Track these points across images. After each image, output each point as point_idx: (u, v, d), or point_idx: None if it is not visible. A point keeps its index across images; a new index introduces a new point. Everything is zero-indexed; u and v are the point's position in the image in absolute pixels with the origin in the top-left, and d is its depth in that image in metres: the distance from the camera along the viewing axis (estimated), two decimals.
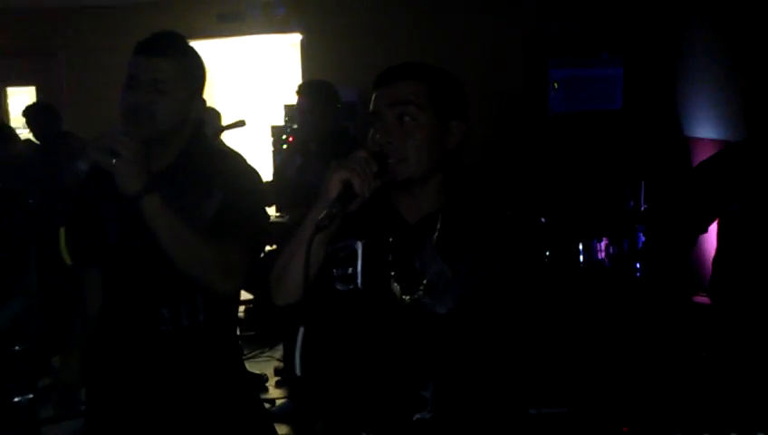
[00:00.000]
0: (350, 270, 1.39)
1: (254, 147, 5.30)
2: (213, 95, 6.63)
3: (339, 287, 1.40)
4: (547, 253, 3.92)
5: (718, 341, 1.94)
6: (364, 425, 1.43)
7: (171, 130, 1.61)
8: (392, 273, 1.38)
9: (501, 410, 1.38)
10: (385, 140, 1.33)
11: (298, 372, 1.23)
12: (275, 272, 1.36)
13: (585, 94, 5.27)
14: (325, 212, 1.23)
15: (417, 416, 1.36)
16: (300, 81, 5.34)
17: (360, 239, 1.40)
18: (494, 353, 1.40)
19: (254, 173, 1.75)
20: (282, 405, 3.87)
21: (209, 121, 4.78)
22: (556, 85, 5.28)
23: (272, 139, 4.96)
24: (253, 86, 6.69)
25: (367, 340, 1.41)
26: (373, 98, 1.38)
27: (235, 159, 1.75)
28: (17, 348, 1.51)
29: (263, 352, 4.58)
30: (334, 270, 1.41)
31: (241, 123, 3.63)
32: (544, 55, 5.32)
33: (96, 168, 1.52)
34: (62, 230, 1.49)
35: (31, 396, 1.48)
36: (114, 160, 1.46)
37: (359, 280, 1.39)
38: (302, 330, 1.21)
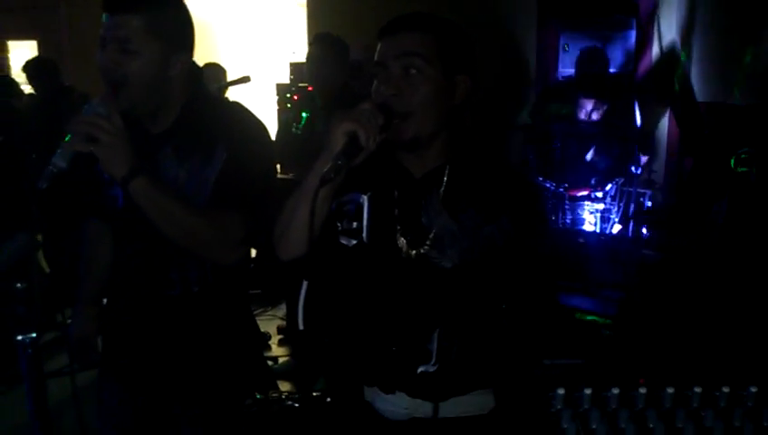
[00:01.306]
0: (356, 224, 1.37)
1: (259, 105, 5.25)
2: (218, 52, 6.55)
3: (343, 242, 1.39)
4: (553, 217, 3.92)
5: (728, 297, 1.94)
6: (367, 378, 1.43)
7: (150, 92, 1.50)
8: (398, 227, 1.36)
9: (506, 362, 1.37)
10: (390, 93, 1.30)
11: (301, 326, 1.22)
12: (279, 227, 1.34)
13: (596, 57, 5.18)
14: (330, 164, 1.20)
15: (422, 368, 1.36)
16: (306, 39, 5.27)
17: (366, 193, 1.38)
18: (500, 307, 1.39)
19: (261, 127, 1.65)
20: (284, 363, 3.90)
21: (215, 77, 4.73)
22: (567, 47, 5.19)
23: (277, 97, 4.90)
24: (258, 44, 6.59)
25: (372, 294, 1.39)
26: (378, 48, 1.34)
27: (242, 112, 1.66)
28: (19, 286, 1.47)
29: (266, 311, 4.59)
30: (339, 224, 1.39)
31: (246, 79, 3.57)
32: (556, 17, 5.23)
33: None
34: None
35: (33, 335, 1.45)
36: (93, 148, 1.35)
37: (364, 234, 1.37)
38: (305, 284, 1.19)
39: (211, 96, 1.72)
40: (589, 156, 4.22)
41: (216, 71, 4.78)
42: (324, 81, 3.34)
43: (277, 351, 4.11)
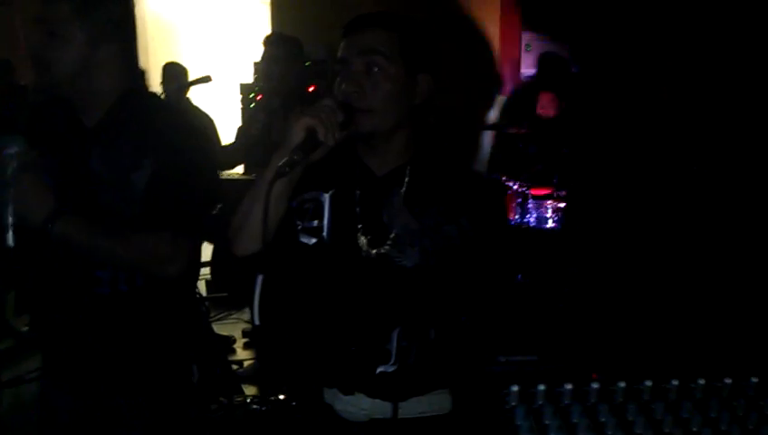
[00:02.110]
0: (316, 223, 1.36)
1: (223, 105, 5.19)
2: (182, 51, 6.46)
3: (303, 240, 1.37)
4: (517, 216, 3.95)
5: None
6: (327, 379, 1.42)
7: (74, 78, 1.47)
8: (359, 226, 1.35)
9: (464, 361, 1.38)
10: (352, 90, 1.29)
11: (257, 321, 1.21)
12: (236, 221, 1.32)
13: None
14: (286, 158, 1.19)
15: (381, 369, 1.35)
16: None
17: (327, 191, 1.37)
18: (458, 305, 1.39)
19: (196, 135, 1.61)
20: (249, 367, 3.87)
21: (175, 76, 4.66)
22: (529, 48, 5.26)
23: (240, 96, 4.85)
24: (222, 43, 6.53)
25: (331, 293, 1.38)
26: (341, 45, 1.34)
27: (178, 118, 1.63)
28: None
29: (230, 314, 4.55)
30: (299, 223, 1.38)
31: (206, 79, 3.52)
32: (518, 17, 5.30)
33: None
34: None
35: None
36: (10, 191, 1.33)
37: (325, 233, 1.36)
38: (260, 278, 1.18)
39: (148, 95, 1.66)
40: (548, 155, 4.28)
41: (176, 69, 4.72)
42: (280, 79, 3.35)
43: (242, 354, 4.07)
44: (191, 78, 3.90)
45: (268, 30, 5.61)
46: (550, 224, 3.95)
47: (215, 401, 3.55)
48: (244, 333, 4.25)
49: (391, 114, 1.32)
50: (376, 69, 1.30)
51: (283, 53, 3.34)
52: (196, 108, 3.77)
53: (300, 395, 1.50)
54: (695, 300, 1.72)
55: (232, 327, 4.34)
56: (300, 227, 1.37)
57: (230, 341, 4.13)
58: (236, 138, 3.73)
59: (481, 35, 5.41)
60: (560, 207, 3.91)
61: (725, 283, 1.86)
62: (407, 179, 1.36)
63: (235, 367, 3.81)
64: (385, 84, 1.30)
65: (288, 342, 1.48)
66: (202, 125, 4.37)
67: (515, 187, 3.98)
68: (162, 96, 3.62)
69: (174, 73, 4.65)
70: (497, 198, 1.48)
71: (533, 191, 3.98)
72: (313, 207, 1.37)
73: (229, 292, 4.68)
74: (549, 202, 3.93)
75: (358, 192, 1.37)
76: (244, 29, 6.28)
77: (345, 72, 1.32)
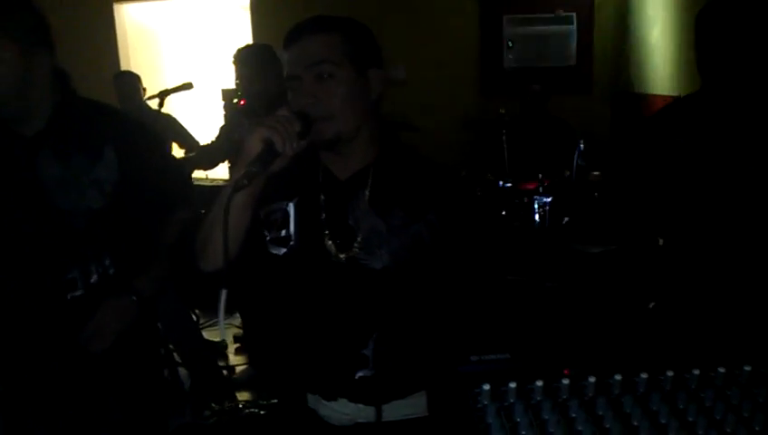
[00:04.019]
0: (284, 232, 1.37)
1: (205, 111, 5.18)
2: (163, 58, 6.45)
3: (273, 251, 1.38)
4: (503, 212, 3.96)
5: (665, 285, 1.99)
6: (308, 386, 1.43)
7: (12, 95, 1.48)
8: (326, 231, 1.36)
9: (439, 362, 1.38)
10: (307, 101, 1.30)
11: (222, 335, 1.22)
12: (200, 237, 1.32)
13: (539, 51, 5.28)
14: (244, 171, 1.19)
15: (360, 374, 1.36)
16: (250, 42, 5.22)
17: (292, 200, 1.38)
18: (432, 306, 1.40)
19: (149, 133, 1.68)
20: (242, 372, 3.86)
21: (130, 84, 4.66)
22: (511, 44, 5.27)
23: (223, 102, 4.85)
24: (203, 49, 6.52)
25: (305, 301, 1.39)
26: (287, 59, 1.34)
27: (124, 117, 1.68)
28: None
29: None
30: (267, 234, 1.38)
31: (188, 86, 3.52)
32: (499, 12, 5.31)
33: None
34: None
35: None
36: None
37: (293, 242, 1.36)
38: (224, 294, 1.18)
39: (87, 99, 1.68)
40: (534, 150, 4.30)
41: (130, 78, 4.72)
42: (260, 95, 3.36)
43: (234, 360, 4.06)
44: (173, 85, 3.89)
45: (249, 35, 5.61)
46: (536, 219, 3.96)
47: (207, 406, 3.56)
48: (236, 339, 4.24)
49: (351, 116, 1.33)
50: (326, 76, 1.30)
51: (253, 69, 3.36)
52: (156, 111, 3.76)
53: (284, 401, 1.50)
54: (665, 294, 1.74)
55: (223, 332, 4.33)
56: (268, 239, 1.38)
57: (221, 346, 4.12)
58: (217, 137, 3.73)
59: (461, 32, 5.43)
60: (546, 202, 3.93)
61: (693, 277, 1.88)
62: (370, 181, 1.37)
63: (227, 373, 3.82)
64: (338, 89, 1.31)
65: (269, 350, 1.49)
66: (165, 124, 4.40)
67: (499, 183, 3.99)
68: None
69: (129, 82, 4.66)
70: (465, 190, 1.48)
71: (519, 186, 4.00)
72: (280, 217, 1.37)
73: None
74: (535, 197, 3.94)
75: (323, 198, 1.38)
76: (226, 35, 6.27)
77: (297, 87, 1.32)
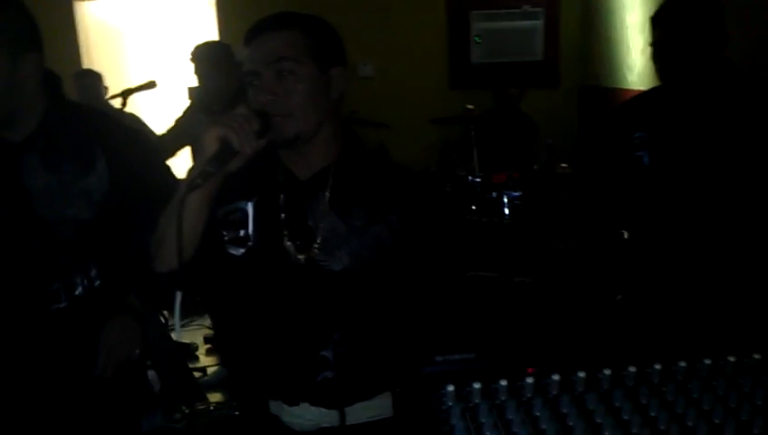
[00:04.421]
0: (242, 232, 1.34)
1: (170, 109, 5.10)
2: (128, 57, 6.33)
3: (231, 251, 1.35)
4: (473, 207, 3.97)
5: (629, 281, 2.01)
6: (270, 391, 1.40)
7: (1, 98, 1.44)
8: (285, 232, 1.34)
9: (403, 363, 1.37)
10: (266, 99, 1.27)
11: (176, 336, 1.20)
12: (155, 238, 1.28)
13: (506, 46, 5.31)
14: (199, 170, 1.16)
15: (321, 376, 1.34)
16: (216, 39, 5.14)
17: (251, 200, 1.35)
18: (393, 307, 1.38)
19: (142, 135, 1.65)
20: (214, 373, 3.83)
21: (92, 83, 4.59)
22: (478, 39, 5.29)
23: (189, 101, 4.78)
24: (168, 47, 6.41)
25: (264, 303, 1.36)
26: (247, 54, 1.31)
27: (117, 120, 1.63)
28: None
29: (192, 321, 4.49)
30: (225, 234, 1.35)
31: (151, 85, 3.46)
32: (466, 8, 5.33)
33: None
34: None
35: None
36: None
37: (251, 242, 1.34)
38: (179, 296, 1.16)
39: (77, 103, 1.64)
40: (503, 145, 4.31)
41: (92, 77, 4.66)
42: (216, 93, 3.36)
43: (205, 361, 4.03)
44: (136, 84, 3.82)
45: (215, 32, 5.54)
46: (506, 213, 3.97)
47: (177, 409, 3.51)
48: (206, 340, 4.20)
49: (311, 115, 1.30)
50: (287, 73, 1.27)
51: (209, 67, 3.34)
52: (120, 111, 3.71)
53: (246, 408, 1.48)
54: (631, 287, 1.77)
55: (193, 333, 4.28)
56: (226, 239, 1.35)
57: (191, 348, 4.08)
58: (170, 129, 3.70)
59: (428, 27, 5.42)
60: (515, 196, 3.94)
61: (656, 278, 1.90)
62: (331, 181, 1.35)
63: (198, 374, 3.77)
64: (298, 87, 1.28)
65: (231, 354, 1.46)
66: (129, 124, 4.34)
67: (469, 178, 3.99)
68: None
69: (91, 80, 4.59)
70: (427, 191, 1.48)
71: (488, 180, 4.00)
72: (238, 217, 1.34)
73: (200, 296, 4.62)
74: (504, 191, 3.95)
75: (282, 198, 1.35)
76: (191, 31, 6.18)
77: (257, 83, 1.29)
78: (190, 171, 1.21)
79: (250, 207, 1.35)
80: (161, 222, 1.28)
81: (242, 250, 1.35)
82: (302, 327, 1.34)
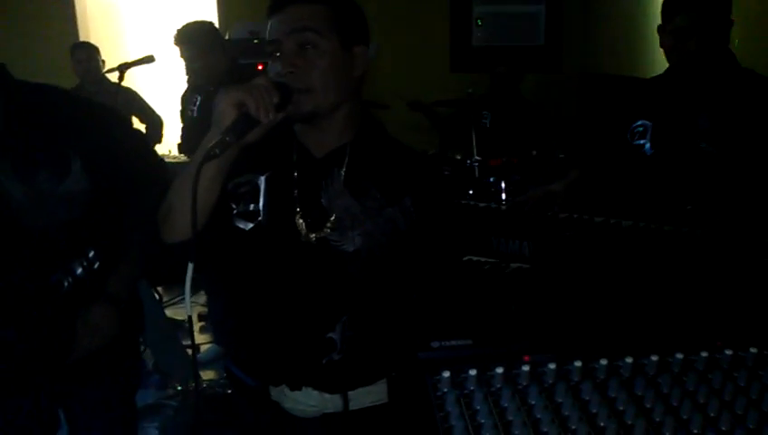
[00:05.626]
0: (252, 207, 1.30)
1: (168, 85, 5.06)
2: (125, 33, 6.26)
3: (240, 225, 1.31)
4: (470, 191, 3.95)
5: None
6: (273, 376, 1.38)
7: None
8: (298, 209, 1.30)
9: (404, 348, 1.35)
10: (287, 70, 1.23)
11: (188, 311, 1.17)
12: (164, 207, 1.25)
13: (508, 30, 5.27)
14: (217, 139, 1.12)
15: (327, 359, 1.32)
16: (216, 15, 5.09)
17: (263, 174, 1.31)
18: (402, 290, 1.37)
19: (123, 122, 1.58)
20: (207, 351, 3.84)
21: (88, 56, 4.56)
22: (480, 22, 5.24)
23: (186, 77, 4.74)
24: (166, 22, 6.33)
25: (271, 281, 1.33)
26: (269, 26, 1.27)
27: (95, 108, 1.53)
28: None
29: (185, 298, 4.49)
30: (234, 207, 1.31)
31: (149, 59, 3.44)
32: None
33: None
34: None
35: None
36: None
37: (261, 217, 1.30)
38: (191, 267, 1.12)
39: (35, 86, 1.46)
40: (502, 129, 4.29)
41: (88, 50, 4.60)
42: (206, 74, 3.35)
43: (199, 338, 4.03)
44: (134, 58, 3.78)
45: (213, 7, 5.48)
46: (504, 197, 3.96)
47: (170, 386, 3.52)
48: (201, 317, 4.21)
49: (331, 91, 1.27)
50: (309, 46, 1.24)
51: (195, 49, 3.32)
52: (116, 84, 3.67)
53: (246, 393, 1.44)
54: (631, 276, 1.77)
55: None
56: (235, 212, 1.31)
57: (185, 325, 4.08)
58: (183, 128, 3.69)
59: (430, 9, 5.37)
60: (514, 181, 3.92)
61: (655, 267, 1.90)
62: (346, 160, 1.31)
63: (191, 351, 3.78)
64: (321, 61, 1.25)
65: (233, 334, 1.45)
66: (126, 99, 4.30)
67: (467, 162, 3.98)
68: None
69: (86, 53, 4.54)
70: (441, 177, 1.45)
71: (491, 163, 3.98)
72: (249, 190, 1.31)
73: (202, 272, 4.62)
74: (503, 176, 3.93)
75: (296, 174, 1.32)
76: (189, 6, 6.11)
77: (278, 54, 1.25)
78: (204, 142, 1.17)
79: (262, 182, 1.31)
80: (170, 193, 1.24)
81: (250, 225, 1.31)
82: (309, 308, 1.32)
